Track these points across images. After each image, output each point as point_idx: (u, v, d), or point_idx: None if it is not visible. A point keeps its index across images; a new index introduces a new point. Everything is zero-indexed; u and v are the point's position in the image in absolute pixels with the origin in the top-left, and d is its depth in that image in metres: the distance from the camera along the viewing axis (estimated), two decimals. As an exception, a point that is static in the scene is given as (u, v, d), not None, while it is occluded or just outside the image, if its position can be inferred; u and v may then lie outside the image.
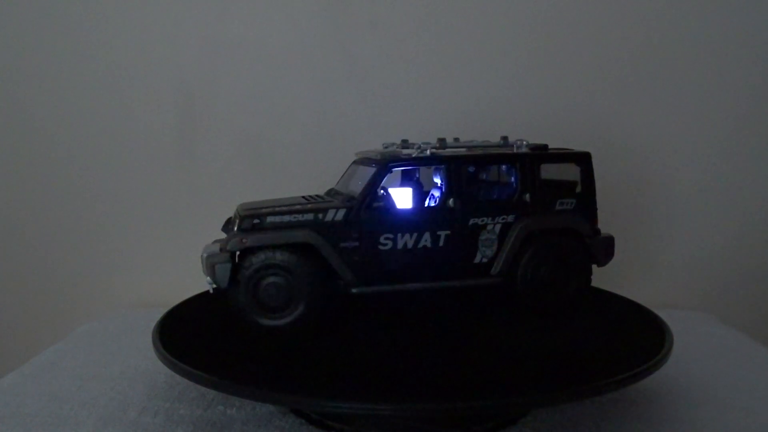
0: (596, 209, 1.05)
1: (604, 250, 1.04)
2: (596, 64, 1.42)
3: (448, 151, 1.02)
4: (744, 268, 1.46)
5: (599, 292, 1.16)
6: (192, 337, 0.97)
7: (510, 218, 0.99)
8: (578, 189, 1.03)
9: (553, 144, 1.08)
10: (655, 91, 1.42)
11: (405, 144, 1.03)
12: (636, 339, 0.95)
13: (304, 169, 1.45)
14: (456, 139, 1.09)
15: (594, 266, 1.05)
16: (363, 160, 1.05)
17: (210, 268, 0.94)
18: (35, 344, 1.31)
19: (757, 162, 1.44)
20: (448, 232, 0.98)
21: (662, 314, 1.03)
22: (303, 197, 1.07)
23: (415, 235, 0.97)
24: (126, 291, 1.53)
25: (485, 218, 0.99)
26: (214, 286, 0.95)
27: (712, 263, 1.46)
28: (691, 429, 0.87)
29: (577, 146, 1.08)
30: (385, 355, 0.90)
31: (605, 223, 1.07)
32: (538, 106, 1.42)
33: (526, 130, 1.14)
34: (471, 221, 0.98)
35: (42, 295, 1.55)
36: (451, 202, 0.98)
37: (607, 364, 0.85)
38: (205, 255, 0.96)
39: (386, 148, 1.04)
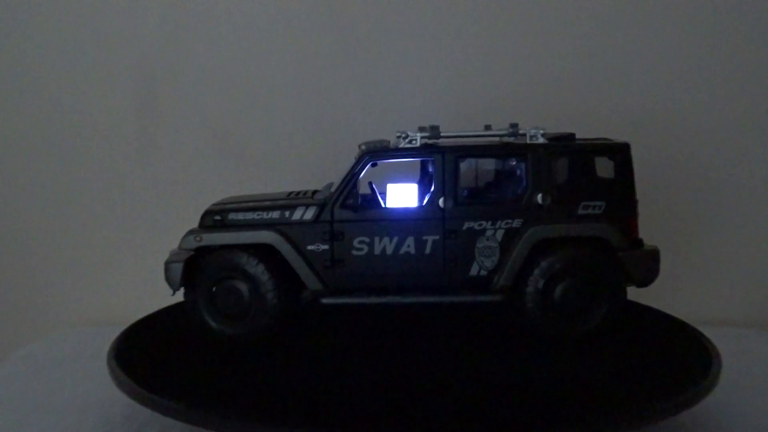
0: (636, 214, 0.95)
1: (645, 266, 0.92)
2: (633, 33, 1.31)
3: (441, 142, 0.96)
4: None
5: (633, 305, 1.09)
6: (154, 359, 0.91)
7: (516, 223, 0.91)
8: (611, 188, 0.94)
9: (584, 133, 1.00)
10: (704, 65, 1.31)
11: (435, 131, 0.96)
12: (677, 362, 0.89)
13: (287, 161, 1.37)
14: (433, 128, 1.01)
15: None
16: None
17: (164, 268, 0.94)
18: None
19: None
20: (436, 237, 0.91)
21: (708, 332, 0.97)
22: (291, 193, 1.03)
23: (395, 239, 0.91)
24: (74, 307, 1.44)
25: (483, 222, 0.91)
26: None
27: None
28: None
29: (613, 135, 1.00)
30: (375, 381, 0.85)
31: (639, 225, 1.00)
32: (564, 89, 1.32)
33: (549, 118, 1.06)
34: (465, 225, 0.91)
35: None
36: (441, 201, 0.92)
37: (642, 392, 0.79)
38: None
39: (399, 137, 0.97)
